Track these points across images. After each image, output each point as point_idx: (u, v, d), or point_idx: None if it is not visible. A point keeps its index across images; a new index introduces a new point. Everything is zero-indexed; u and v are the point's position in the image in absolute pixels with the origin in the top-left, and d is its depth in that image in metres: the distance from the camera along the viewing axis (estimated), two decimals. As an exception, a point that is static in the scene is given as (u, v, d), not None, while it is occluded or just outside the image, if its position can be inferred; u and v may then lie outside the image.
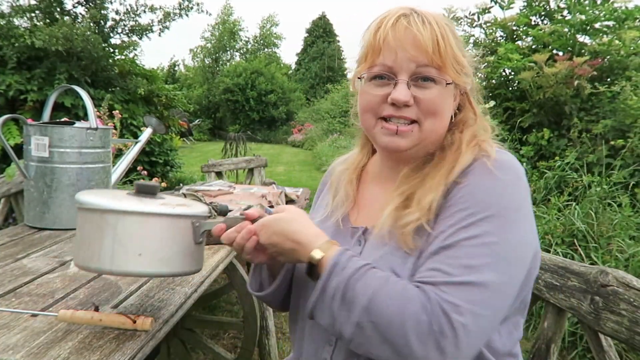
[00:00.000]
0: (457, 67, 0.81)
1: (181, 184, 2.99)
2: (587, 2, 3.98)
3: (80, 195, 0.94)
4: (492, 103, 4.64)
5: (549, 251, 2.64)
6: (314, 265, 0.78)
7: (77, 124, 1.75)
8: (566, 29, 3.99)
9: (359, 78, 0.85)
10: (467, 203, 0.74)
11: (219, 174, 3.75)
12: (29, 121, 1.77)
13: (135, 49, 5.30)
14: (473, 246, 0.70)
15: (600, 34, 3.97)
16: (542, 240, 2.78)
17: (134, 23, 5.28)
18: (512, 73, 4.32)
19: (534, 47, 4.21)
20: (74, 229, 1.71)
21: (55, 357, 0.82)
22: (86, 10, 5.05)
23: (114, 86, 4.90)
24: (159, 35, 5.51)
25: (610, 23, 3.98)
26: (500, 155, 0.79)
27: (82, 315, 0.92)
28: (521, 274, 0.74)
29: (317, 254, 0.78)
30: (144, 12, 5.31)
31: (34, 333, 0.90)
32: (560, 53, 4.05)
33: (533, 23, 4.41)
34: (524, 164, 3.70)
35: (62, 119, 2.39)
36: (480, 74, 4.55)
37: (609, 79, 3.91)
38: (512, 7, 4.39)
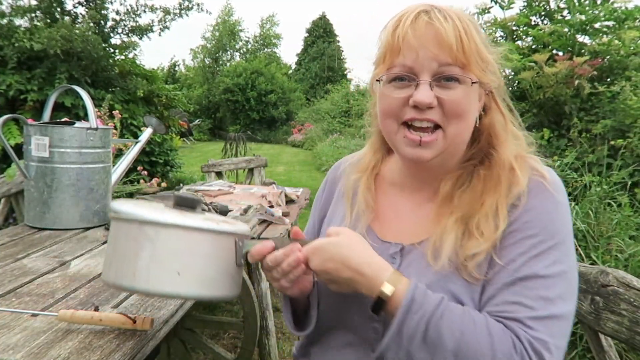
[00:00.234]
0: (482, 65, 0.76)
1: (181, 184, 3.00)
2: (587, 2, 3.98)
3: (116, 204, 0.85)
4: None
5: (549, 251, 2.63)
6: (382, 300, 0.71)
7: (77, 124, 1.75)
8: (566, 29, 3.99)
9: (377, 80, 0.79)
10: (535, 229, 0.72)
11: (219, 174, 3.75)
12: (29, 121, 1.78)
13: (135, 49, 5.30)
14: (548, 277, 0.69)
15: (600, 34, 3.97)
16: (542, 240, 2.78)
17: (134, 23, 5.28)
18: (512, 73, 4.32)
19: (534, 47, 4.20)
20: (74, 229, 1.72)
21: (55, 357, 0.82)
22: (86, 10, 5.05)
23: (114, 86, 4.89)
24: (159, 35, 5.52)
25: (610, 23, 3.98)
26: (551, 175, 0.77)
27: (82, 315, 0.92)
28: (577, 289, 0.74)
29: (388, 289, 0.70)
30: (144, 12, 5.31)
31: (34, 333, 0.90)
32: (560, 53, 4.05)
33: (533, 23, 4.41)
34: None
35: (63, 119, 2.39)
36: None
37: (608, 79, 3.91)
38: (512, 7, 4.39)
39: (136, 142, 2.10)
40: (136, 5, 5.27)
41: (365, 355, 0.80)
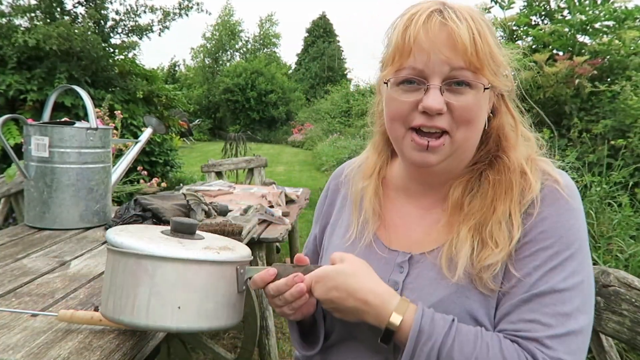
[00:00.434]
0: (495, 68, 0.73)
1: (181, 184, 2.99)
2: (587, 2, 3.98)
3: (112, 234, 0.82)
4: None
5: (549, 251, 2.63)
6: (390, 331, 0.69)
7: (77, 124, 1.75)
8: (566, 29, 3.99)
9: (385, 82, 0.76)
10: (550, 240, 0.70)
11: (219, 174, 3.75)
12: (29, 121, 1.77)
13: (135, 49, 5.29)
14: (565, 290, 0.68)
15: (600, 34, 3.97)
16: (542, 240, 2.78)
17: (133, 23, 5.28)
18: (512, 73, 4.31)
19: (534, 46, 4.20)
20: (74, 229, 1.72)
21: (55, 357, 0.82)
22: (86, 10, 5.05)
23: (114, 86, 4.90)
24: (159, 35, 5.52)
25: (610, 23, 3.98)
26: (565, 179, 0.75)
27: (82, 315, 0.91)
28: (594, 298, 0.72)
29: (396, 320, 0.68)
30: (144, 12, 5.31)
31: (34, 333, 0.90)
32: (561, 53, 4.05)
33: (533, 23, 4.41)
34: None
35: (62, 119, 2.39)
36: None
37: (609, 79, 3.90)
38: (512, 7, 4.38)
39: (136, 142, 2.10)
40: (136, 5, 5.27)
41: None
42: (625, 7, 3.82)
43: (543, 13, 4.40)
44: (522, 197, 0.74)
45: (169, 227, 0.89)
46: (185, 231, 0.86)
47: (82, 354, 0.84)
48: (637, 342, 0.83)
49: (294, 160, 12.54)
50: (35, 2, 4.67)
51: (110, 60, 4.94)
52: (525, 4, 4.47)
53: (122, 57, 5.23)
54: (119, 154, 2.92)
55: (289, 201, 3.02)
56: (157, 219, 1.74)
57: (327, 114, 16.93)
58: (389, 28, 0.77)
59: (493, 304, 0.71)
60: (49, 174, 1.68)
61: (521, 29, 4.42)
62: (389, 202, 0.88)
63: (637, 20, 3.95)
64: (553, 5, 4.33)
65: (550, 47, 4.03)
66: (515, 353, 0.66)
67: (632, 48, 3.79)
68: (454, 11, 0.71)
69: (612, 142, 3.32)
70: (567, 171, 3.28)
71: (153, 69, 6.00)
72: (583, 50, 3.99)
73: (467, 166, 0.80)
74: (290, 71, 29.74)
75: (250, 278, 0.82)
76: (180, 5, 5.49)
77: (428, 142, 0.72)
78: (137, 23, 5.31)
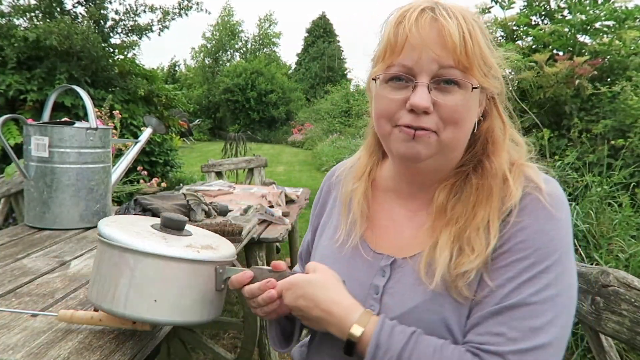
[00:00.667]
0: (485, 69, 0.72)
1: (181, 184, 2.99)
2: (587, 2, 3.98)
3: (102, 225, 0.86)
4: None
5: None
6: (352, 342, 0.71)
7: (77, 124, 1.75)
8: (566, 29, 3.99)
9: (373, 79, 0.76)
10: (527, 251, 0.68)
11: (219, 174, 3.75)
12: (29, 121, 1.77)
13: (134, 49, 5.29)
14: (537, 303, 0.66)
15: (601, 34, 3.97)
16: (542, 240, 2.78)
17: (133, 23, 5.28)
18: (512, 73, 4.31)
19: (534, 47, 4.20)
20: (74, 229, 1.72)
21: (55, 357, 0.82)
22: (86, 10, 5.05)
23: (114, 86, 4.89)
24: (159, 35, 5.51)
25: (611, 23, 3.98)
26: (549, 187, 0.72)
27: (82, 315, 0.91)
28: (574, 311, 0.70)
29: (357, 331, 0.70)
30: (144, 11, 5.31)
31: (34, 333, 0.90)
32: (561, 53, 4.04)
33: (533, 23, 4.40)
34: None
35: (62, 119, 2.39)
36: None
37: (609, 79, 3.90)
38: (512, 7, 4.38)
39: (136, 142, 2.10)
40: (135, 5, 5.27)
41: None
42: (626, 7, 3.82)
43: (543, 13, 4.40)
44: (502, 204, 0.73)
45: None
46: (173, 227, 0.89)
47: (82, 354, 0.84)
48: (636, 342, 0.83)
49: (294, 160, 12.54)
50: (35, 2, 4.67)
51: (110, 60, 4.94)
52: (525, 4, 4.47)
53: (122, 57, 5.23)
54: (119, 154, 2.92)
55: (289, 201, 3.02)
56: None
57: (327, 113, 16.93)
58: (382, 24, 0.76)
59: (465, 312, 0.70)
60: (49, 174, 1.69)
61: (521, 29, 4.42)
62: (378, 204, 0.87)
63: (638, 20, 3.95)
64: (553, 5, 4.33)
65: (550, 47, 4.03)
66: None
67: (632, 48, 3.78)
68: (446, 9, 0.71)
69: (612, 142, 3.32)
70: (567, 171, 3.30)
71: (153, 68, 6.00)
72: (583, 50, 3.99)
73: (454, 169, 0.79)
74: (290, 71, 29.74)
75: (229, 278, 0.85)
76: (179, 4, 5.49)
77: (414, 131, 0.71)
78: (136, 23, 5.31)
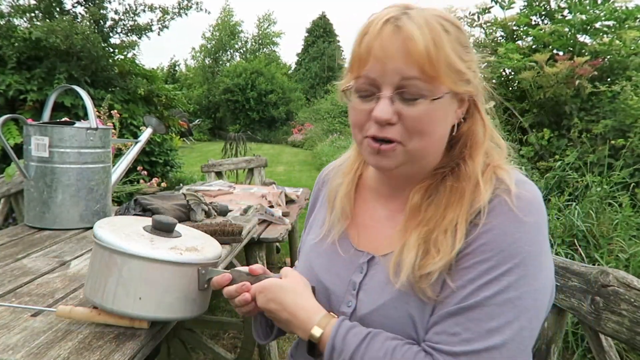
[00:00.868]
0: (454, 76, 0.71)
1: (181, 184, 2.99)
2: (587, 2, 3.98)
3: (96, 226, 0.94)
4: (492, 103, 4.64)
5: (549, 251, 2.63)
6: (313, 343, 0.76)
7: (77, 124, 1.75)
8: (567, 29, 3.99)
9: (343, 91, 0.77)
10: (489, 253, 0.68)
11: (219, 174, 3.75)
12: (29, 121, 1.77)
13: (134, 49, 5.29)
14: (495, 305, 0.66)
15: (601, 34, 3.97)
16: (542, 240, 2.78)
17: (132, 23, 5.28)
18: (512, 73, 4.31)
19: (534, 47, 4.20)
20: (74, 229, 1.72)
21: (55, 357, 0.82)
22: (86, 10, 5.05)
23: (113, 86, 4.89)
24: (158, 35, 5.51)
25: (611, 23, 3.98)
26: (521, 189, 0.71)
27: (81, 312, 0.92)
28: (542, 316, 0.70)
29: (317, 332, 0.75)
30: (143, 11, 5.31)
31: (34, 333, 0.90)
32: (561, 53, 4.04)
33: (533, 23, 4.41)
34: (525, 165, 3.70)
35: (62, 119, 2.39)
36: (483, 75, 4.55)
37: (609, 79, 3.90)
38: (512, 7, 4.38)
39: (136, 142, 2.10)
40: (135, 5, 5.27)
41: None
42: (626, 7, 3.82)
43: (543, 13, 4.40)
44: (471, 206, 0.73)
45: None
46: (163, 229, 0.97)
47: (82, 354, 0.84)
48: (636, 342, 0.83)
49: (294, 160, 12.54)
50: (34, 2, 4.67)
51: (110, 60, 4.94)
52: (525, 4, 4.47)
53: (121, 56, 5.23)
54: (118, 154, 2.92)
55: (289, 201, 3.03)
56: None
57: (327, 113, 16.93)
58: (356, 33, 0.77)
59: (429, 311, 0.71)
60: (49, 174, 1.69)
61: (521, 29, 4.42)
62: (363, 202, 0.90)
63: (638, 20, 3.95)
64: (553, 5, 4.33)
65: (550, 47, 4.03)
66: None
67: (632, 48, 3.79)
68: (410, 18, 0.70)
69: (613, 142, 3.32)
70: (567, 171, 3.30)
71: (153, 68, 6.00)
72: (583, 50, 3.99)
73: (431, 170, 0.80)
74: (290, 71, 29.75)
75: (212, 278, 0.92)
76: (179, 4, 5.49)
77: (380, 145, 0.73)
78: (136, 22, 5.31)
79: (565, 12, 4.25)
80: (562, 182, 3.36)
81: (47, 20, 4.61)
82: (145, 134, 2.13)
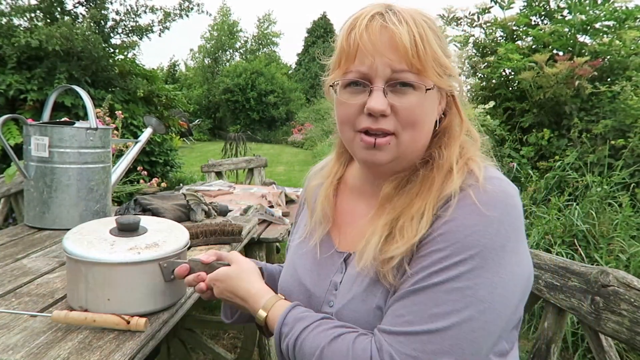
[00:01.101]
0: (439, 70, 0.73)
1: (181, 184, 3.00)
2: (587, 2, 3.98)
3: (64, 237, 1.02)
4: (491, 103, 4.64)
5: (549, 251, 2.64)
6: (259, 323, 0.82)
7: (77, 124, 1.75)
8: (566, 29, 3.99)
9: (331, 86, 0.78)
10: (445, 243, 0.68)
11: (219, 174, 3.75)
12: (29, 121, 1.77)
13: (134, 49, 5.29)
14: (442, 292, 0.66)
15: (601, 34, 3.97)
16: (542, 240, 2.78)
17: (134, 23, 5.28)
18: (512, 73, 4.31)
19: (534, 47, 4.20)
20: (74, 229, 1.72)
21: (55, 357, 0.82)
22: (87, 10, 5.04)
23: (114, 86, 4.89)
24: (159, 36, 5.50)
25: (611, 23, 3.98)
26: (488, 185, 0.71)
27: (76, 316, 0.92)
28: (507, 309, 0.69)
29: (262, 314, 0.81)
30: (144, 12, 5.31)
31: (33, 333, 0.90)
32: (561, 53, 4.04)
33: (533, 23, 4.40)
34: (524, 165, 3.70)
35: (62, 119, 2.39)
36: (480, 74, 4.54)
37: (609, 79, 3.90)
38: (512, 7, 4.38)
39: (136, 142, 2.10)
40: (136, 6, 5.27)
41: None
42: (626, 7, 3.82)
43: (543, 13, 4.40)
44: (440, 192, 0.73)
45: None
46: (127, 229, 1.02)
47: (82, 354, 0.84)
48: (636, 342, 0.83)
49: (294, 160, 12.54)
50: (35, 2, 4.67)
51: (111, 60, 4.94)
52: (525, 4, 4.47)
53: (122, 57, 5.23)
54: (119, 154, 2.92)
55: (289, 201, 3.02)
56: (157, 219, 1.74)
57: (327, 113, 16.92)
58: (339, 31, 0.78)
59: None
60: (48, 174, 1.69)
61: (521, 29, 4.42)
62: (345, 203, 0.90)
63: (638, 20, 3.95)
64: (553, 5, 4.33)
65: (550, 47, 4.03)
66: (365, 344, 0.68)
67: (632, 48, 3.78)
68: (395, 14, 0.72)
69: (613, 142, 3.32)
70: (567, 171, 3.30)
71: (153, 69, 6.00)
72: (583, 51, 3.99)
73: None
74: (290, 71, 29.75)
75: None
76: (180, 5, 5.48)
77: (375, 139, 0.74)
78: (137, 23, 5.31)
79: (565, 12, 4.25)
80: (562, 182, 3.36)
81: (48, 20, 4.61)
82: (145, 134, 2.13)
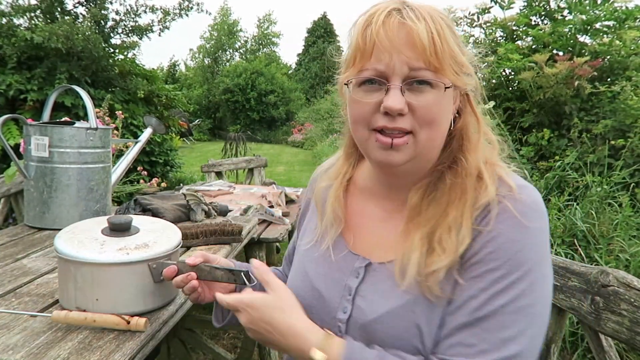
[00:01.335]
0: (456, 67, 0.71)
1: (181, 184, 3.00)
2: (587, 2, 3.98)
3: (56, 236, 1.01)
4: (491, 103, 4.64)
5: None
6: None
7: (77, 124, 1.75)
8: (566, 29, 3.99)
9: (345, 84, 0.75)
10: (498, 261, 0.68)
11: (219, 174, 3.75)
12: (29, 121, 1.77)
13: (134, 49, 5.29)
14: (508, 313, 0.66)
15: (601, 34, 3.97)
16: (542, 240, 2.78)
17: (133, 23, 5.28)
18: (512, 73, 4.31)
19: (534, 47, 4.20)
20: (74, 229, 1.72)
21: (55, 357, 0.82)
22: (87, 10, 5.05)
23: (114, 86, 4.89)
24: (159, 35, 5.51)
25: (611, 23, 3.98)
26: (521, 194, 0.71)
27: (76, 317, 0.92)
28: (547, 319, 0.71)
29: (318, 356, 0.70)
30: (144, 12, 5.31)
31: (34, 333, 0.90)
32: (561, 53, 4.04)
33: (533, 23, 4.40)
34: (524, 165, 3.70)
35: (62, 119, 2.39)
36: (481, 74, 4.54)
37: (609, 79, 3.90)
38: (512, 7, 4.38)
39: (136, 142, 2.10)
40: (136, 6, 5.27)
41: None
42: (626, 7, 3.82)
43: (543, 13, 4.40)
44: (475, 201, 0.72)
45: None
46: (118, 229, 1.01)
47: (82, 354, 0.84)
48: (636, 342, 0.83)
49: (294, 160, 12.54)
50: (35, 2, 4.67)
51: (111, 60, 4.94)
52: (525, 4, 4.47)
53: (122, 57, 5.23)
54: (119, 154, 2.92)
55: (289, 201, 3.03)
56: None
57: (327, 113, 16.92)
58: (351, 27, 0.75)
59: (436, 320, 0.70)
60: (48, 174, 1.69)
61: (521, 29, 4.42)
62: (356, 204, 0.87)
63: (638, 20, 3.95)
64: (553, 5, 4.33)
65: (550, 47, 4.03)
66: None
67: (632, 48, 3.78)
68: (413, 10, 0.70)
69: (612, 142, 3.32)
70: (567, 171, 3.29)
71: (153, 69, 6.00)
72: (583, 51, 3.99)
73: (429, 169, 0.79)
74: (291, 71, 29.74)
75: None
76: (180, 5, 5.49)
77: (392, 139, 0.71)
78: (137, 23, 5.31)
79: (565, 12, 4.25)
80: (562, 182, 3.36)
81: (49, 20, 4.61)
82: (145, 134, 2.13)
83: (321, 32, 28.72)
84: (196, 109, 22.88)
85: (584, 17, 3.91)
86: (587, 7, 3.94)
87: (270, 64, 24.75)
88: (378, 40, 0.69)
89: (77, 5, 5.07)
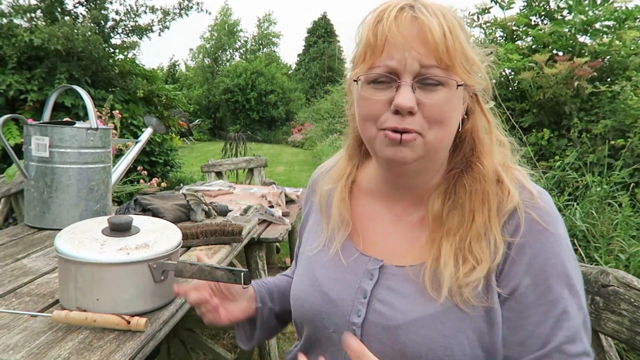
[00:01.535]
0: (467, 66, 0.70)
1: (181, 184, 3.00)
2: (587, 2, 3.98)
3: (57, 236, 1.01)
4: (491, 103, 4.64)
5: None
6: None
7: (78, 124, 1.75)
8: (566, 29, 3.99)
9: (355, 81, 0.73)
10: (538, 277, 0.69)
11: (219, 174, 3.75)
12: (29, 121, 1.77)
13: (134, 49, 5.29)
14: (578, 330, 0.70)
15: (601, 34, 3.97)
16: (542, 240, 2.78)
17: (133, 23, 5.28)
18: (512, 73, 4.32)
19: (534, 47, 4.20)
20: (74, 229, 1.72)
21: (55, 357, 0.82)
22: (87, 10, 5.05)
23: (114, 86, 4.89)
24: (159, 35, 5.51)
25: (611, 23, 3.98)
26: (541, 201, 0.72)
27: (76, 317, 0.92)
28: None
29: None
30: (144, 12, 5.31)
31: (34, 333, 0.90)
32: (561, 53, 4.05)
33: (533, 23, 4.41)
34: (524, 165, 3.70)
35: (63, 119, 2.39)
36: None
37: (609, 79, 3.91)
38: (512, 7, 4.38)
39: (136, 142, 2.10)
40: (136, 6, 5.27)
41: None
42: (626, 7, 3.82)
43: (543, 13, 4.40)
44: (500, 207, 0.72)
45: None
46: (119, 229, 1.01)
47: (82, 354, 0.84)
48: (636, 342, 0.84)
49: (294, 160, 12.54)
50: (35, 2, 4.67)
51: (111, 61, 4.94)
52: (525, 4, 4.47)
53: (122, 57, 5.23)
54: (119, 154, 2.92)
55: (289, 201, 3.03)
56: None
57: (327, 113, 16.92)
58: (360, 24, 0.73)
59: (468, 325, 0.69)
60: (49, 174, 1.69)
61: (521, 29, 4.42)
62: (361, 206, 0.85)
63: (638, 20, 3.95)
64: (553, 5, 4.33)
65: (550, 47, 4.03)
66: None
67: (632, 48, 3.79)
68: (425, 6, 0.69)
69: (612, 142, 3.32)
70: (567, 171, 3.29)
71: (153, 69, 6.00)
72: (583, 51, 3.99)
73: (443, 173, 0.78)
74: (291, 71, 29.74)
75: (170, 270, 0.98)
76: (180, 5, 5.49)
77: (401, 135, 0.69)
78: (137, 23, 5.31)
79: (565, 12, 4.26)
80: (562, 182, 3.36)
81: (49, 20, 4.61)
82: (146, 134, 2.13)
83: (321, 32, 28.71)
84: (196, 109, 22.88)
85: (583, 17, 3.91)
86: (587, 8, 3.94)
87: (271, 64, 24.76)
88: (390, 36, 0.67)
89: (77, 5, 5.07)
